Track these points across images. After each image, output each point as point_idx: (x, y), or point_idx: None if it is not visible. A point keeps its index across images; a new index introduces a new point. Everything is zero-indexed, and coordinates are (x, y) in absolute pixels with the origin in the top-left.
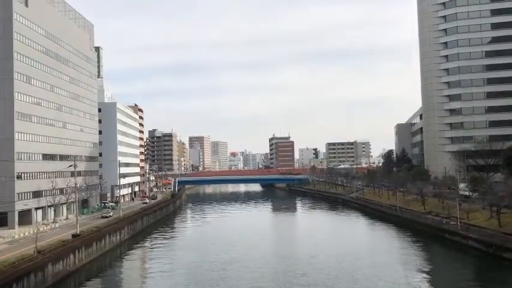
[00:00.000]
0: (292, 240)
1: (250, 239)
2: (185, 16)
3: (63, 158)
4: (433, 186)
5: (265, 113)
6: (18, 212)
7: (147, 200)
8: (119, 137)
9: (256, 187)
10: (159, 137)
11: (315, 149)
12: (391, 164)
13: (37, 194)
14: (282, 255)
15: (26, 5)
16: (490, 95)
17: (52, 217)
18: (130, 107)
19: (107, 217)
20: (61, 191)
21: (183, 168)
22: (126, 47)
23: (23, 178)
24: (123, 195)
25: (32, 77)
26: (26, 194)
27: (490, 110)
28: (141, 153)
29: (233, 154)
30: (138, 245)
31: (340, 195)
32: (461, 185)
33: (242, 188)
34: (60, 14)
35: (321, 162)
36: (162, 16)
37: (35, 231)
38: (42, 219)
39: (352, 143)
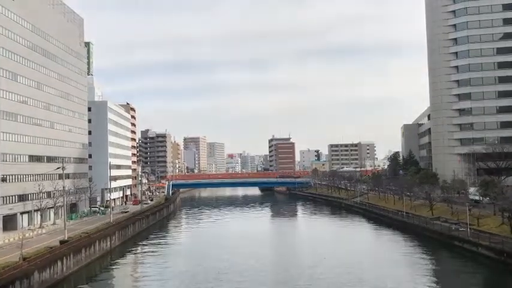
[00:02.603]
0: (293, 248)
1: (247, 247)
2: (181, 11)
3: (50, 159)
4: (441, 190)
5: (264, 113)
6: (3, 216)
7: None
8: (110, 138)
9: (254, 191)
10: (152, 138)
11: (317, 151)
12: (397, 166)
13: (23, 198)
14: (281, 264)
15: None
16: (502, 95)
17: (38, 222)
18: (121, 105)
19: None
20: (48, 194)
21: (177, 171)
22: (118, 43)
23: (7, 181)
24: (114, 199)
25: (18, 73)
26: (11, 197)
27: (502, 110)
28: (133, 154)
29: (230, 156)
30: (130, 252)
31: (344, 199)
32: (471, 189)
33: (240, 191)
34: (48, 8)
35: (323, 164)
36: (156, 11)
37: (21, 237)
38: (28, 225)
39: (356, 145)
